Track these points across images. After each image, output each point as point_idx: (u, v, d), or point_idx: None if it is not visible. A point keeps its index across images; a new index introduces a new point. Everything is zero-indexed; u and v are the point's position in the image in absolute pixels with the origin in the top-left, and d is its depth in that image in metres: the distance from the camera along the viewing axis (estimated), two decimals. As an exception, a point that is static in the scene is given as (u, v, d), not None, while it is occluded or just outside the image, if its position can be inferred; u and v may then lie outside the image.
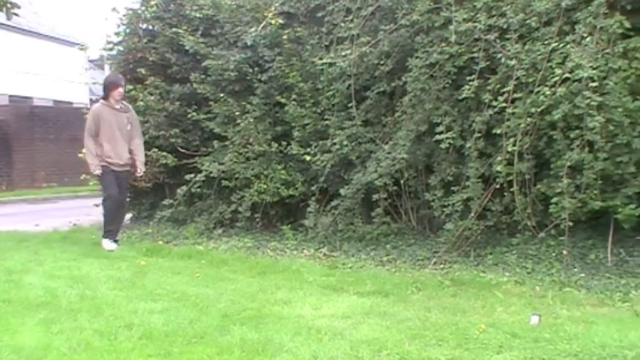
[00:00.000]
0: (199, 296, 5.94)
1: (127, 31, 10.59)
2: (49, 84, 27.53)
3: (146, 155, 8.91)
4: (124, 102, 8.61)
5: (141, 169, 8.72)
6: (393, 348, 4.49)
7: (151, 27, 10.58)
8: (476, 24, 7.03)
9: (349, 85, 8.00)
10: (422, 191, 8.19)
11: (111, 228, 8.50)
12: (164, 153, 9.75)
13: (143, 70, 10.12)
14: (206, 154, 9.52)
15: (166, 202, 9.48)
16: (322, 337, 4.73)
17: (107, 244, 8.39)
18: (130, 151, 8.60)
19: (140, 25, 10.54)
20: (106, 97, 8.42)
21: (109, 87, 8.39)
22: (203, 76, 9.47)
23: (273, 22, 8.68)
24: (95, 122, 8.32)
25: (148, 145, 9.90)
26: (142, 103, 9.79)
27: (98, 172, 8.32)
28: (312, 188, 8.38)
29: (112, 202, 8.44)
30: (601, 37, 6.40)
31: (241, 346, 4.56)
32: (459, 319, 5.17)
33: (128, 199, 10.91)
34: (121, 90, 8.41)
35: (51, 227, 10.82)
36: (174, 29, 9.77)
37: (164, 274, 6.91)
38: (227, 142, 9.13)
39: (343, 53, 7.79)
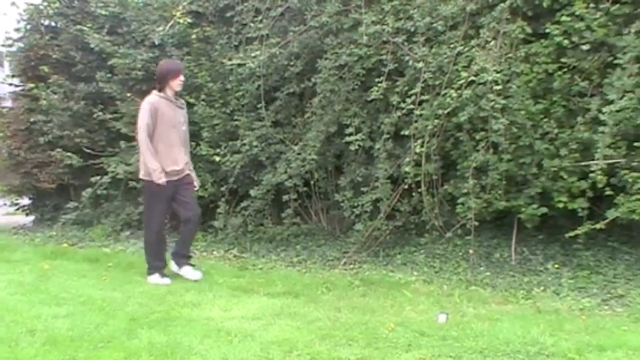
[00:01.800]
0: (106, 300, 5.80)
1: (28, 27, 10.24)
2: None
3: (49, 156, 8.60)
4: (180, 96, 7.03)
5: (197, 182, 7.09)
6: (303, 348, 4.49)
7: (53, 23, 10.26)
8: (384, 27, 7.11)
9: (259, 85, 7.96)
10: (332, 192, 8.23)
11: (158, 263, 6.74)
12: (69, 153, 9.48)
13: (46, 68, 9.82)
14: (113, 155, 9.30)
15: (71, 204, 9.21)
16: (232, 339, 4.69)
17: (157, 279, 6.65)
18: None
19: (42, 21, 10.20)
20: (161, 89, 6.66)
21: (167, 76, 6.65)
22: (109, 75, 9.25)
23: (181, 21, 8.55)
24: (153, 117, 6.50)
25: (51, 146, 9.64)
26: (44, 102, 9.49)
27: (163, 180, 6.44)
28: (222, 189, 8.30)
29: (157, 232, 6.78)
30: (504, 41, 6.57)
31: (149, 349, 4.47)
32: (369, 319, 5.21)
33: (30, 200, 10.61)
34: (182, 78, 6.78)
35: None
36: (78, 26, 9.51)
37: (69, 278, 6.71)
38: (134, 143, 8.93)
39: (253, 54, 7.74)
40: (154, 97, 6.63)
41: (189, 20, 8.58)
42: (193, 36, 8.62)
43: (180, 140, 6.73)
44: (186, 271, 6.72)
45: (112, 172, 8.79)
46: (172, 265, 6.82)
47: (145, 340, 4.65)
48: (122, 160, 8.93)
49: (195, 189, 6.97)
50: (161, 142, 6.53)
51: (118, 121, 9.17)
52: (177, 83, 6.68)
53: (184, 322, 5.12)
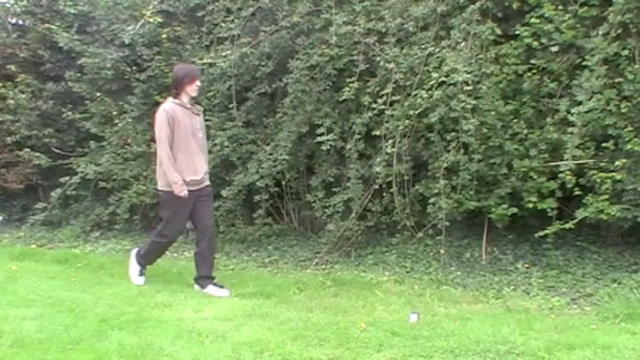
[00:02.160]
0: (75, 301, 5.74)
1: (-5, 25, 10.12)
2: None
3: (17, 156, 8.48)
4: (195, 101, 6.67)
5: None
6: (275, 349, 4.48)
7: (21, 22, 10.14)
8: (355, 27, 7.12)
9: (230, 85, 7.93)
10: (303, 192, 8.23)
11: (149, 262, 6.71)
12: (37, 153, 9.37)
13: (13, 67, 9.68)
14: (82, 155, 9.22)
15: (40, 205, 9.12)
16: (204, 340, 4.67)
17: (135, 277, 6.62)
18: None
19: (9, 19, 10.07)
20: (177, 95, 6.33)
21: (183, 80, 6.30)
22: (79, 75, 9.16)
23: (151, 20, 8.49)
24: (170, 125, 6.19)
25: (19, 146, 9.52)
26: (12, 101, 9.37)
27: (185, 192, 6.17)
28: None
29: (168, 242, 6.68)
30: (474, 42, 6.62)
31: (120, 351, 4.44)
32: (341, 319, 5.22)
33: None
34: (199, 83, 6.46)
35: None
36: (46, 25, 9.40)
37: (37, 279, 6.63)
38: (104, 143, 8.88)
39: (224, 54, 7.70)
40: (169, 104, 6.31)
41: (159, 20, 8.51)
42: (164, 35, 8.56)
43: (199, 148, 6.42)
44: (212, 290, 6.31)
45: (82, 172, 8.71)
46: (195, 286, 6.44)
47: (115, 342, 4.61)
48: (92, 161, 8.86)
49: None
50: (180, 152, 6.23)
51: (87, 120, 9.09)
52: (193, 88, 6.35)
53: (155, 324, 5.09)
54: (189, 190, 6.22)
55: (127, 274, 6.70)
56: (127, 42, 8.54)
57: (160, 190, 6.42)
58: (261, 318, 5.27)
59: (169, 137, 6.18)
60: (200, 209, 6.41)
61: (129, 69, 8.77)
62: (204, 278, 6.38)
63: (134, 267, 6.63)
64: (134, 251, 6.77)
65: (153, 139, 8.54)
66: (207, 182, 6.55)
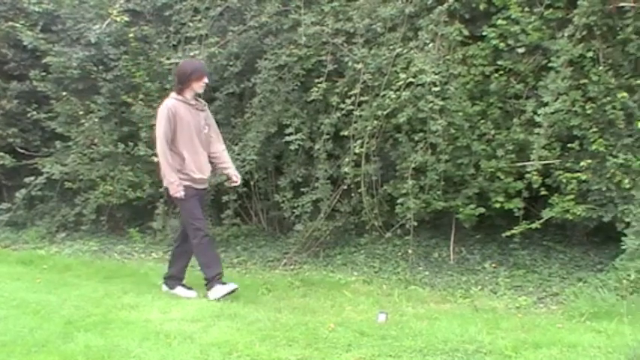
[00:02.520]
0: (41, 303, 5.65)
1: (-43, 23, 9.94)
2: None
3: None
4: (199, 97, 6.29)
5: (237, 176, 6.41)
6: (243, 350, 4.46)
7: (-17, 20, 9.99)
8: (324, 27, 7.12)
9: (198, 85, 7.89)
10: (272, 192, 8.20)
11: (219, 270, 6.03)
12: (1, 153, 9.22)
13: (-24, 66, 9.55)
14: (47, 155, 9.10)
15: (4, 205, 8.99)
16: (171, 342, 4.63)
17: (219, 290, 5.91)
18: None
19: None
20: (181, 91, 6.03)
21: (189, 77, 6.01)
22: (44, 74, 9.03)
23: (118, 19, 8.40)
24: (171, 123, 5.93)
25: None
26: (-26, 101, 9.24)
27: (181, 193, 5.91)
28: (161, 190, 8.16)
29: (208, 237, 6.11)
30: (442, 43, 6.65)
31: (86, 353, 4.39)
32: (309, 319, 5.21)
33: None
34: (206, 80, 6.14)
35: None
36: (10, 23, 9.26)
37: (2, 281, 6.52)
38: (70, 143, 8.77)
39: (191, 53, 7.65)
40: (172, 101, 6.01)
41: (126, 19, 8.43)
42: (131, 35, 8.48)
43: (203, 146, 6.13)
44: (180, 291, 6.13)
45: (47, 172, 8.60)
46: (163, 287, 6.25)
47: (82, 344, 4.55)
48: (57, 161, 8.74)
49: (237, 183, 6.46)
50: (185, 150, 5.96)
51: (53, 120, 8.97)
52: (200, 85, 6.05)
53: (122, 325, 5.03)
54: (197, 189, 6.02)
55: (91, 274, 6.63)
56: (93, 41, 8.46)
57: (167, 188, 6.10)
58: (230, 319, 5.23)
59: (168, 135, 5.91)
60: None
61: (95, 68, 8.67)
62: (174, 279, 6.21)
63: (214, 291, 5.91)
64: (207, 293, 5.99)
65: (120, 139, 8.51)
66: (207, 184, 6.38)
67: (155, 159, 8.09)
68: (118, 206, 8.68)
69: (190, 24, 7.84)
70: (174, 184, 5.90)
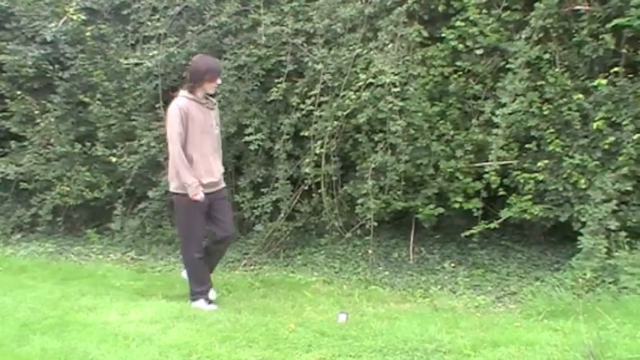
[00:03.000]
0: (-5, 305, 5.58)
1: None
2: None
3: None
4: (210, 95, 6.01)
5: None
6: (203, 351, 4.44)
7: None
8: (283, 28, 7.11)
9: (157, 85, 7.82)
10: (231, 193, 8.14)
11: (203, 288, 5.90)
12: (-48, 154, 9.07)
13: None
14: (2, 155, 8.93)
15: (-44, 206, 8.84)
16: (130, 344, 4.60)
17: (202, 304, 5.81)
18: None
19: None
20: (192, 89, 5.75)
21: (203, 76, 5.73)
22: (-2, 72, 8.91)
23: (74, 17, 8.28)
24: (184, 123, 5.64)
25: None
26: None
27: (201, 195, 5.61)
28: (119, 190, 8.12)
29: (199, 252, 5.86)
30: (402, 44, 6.68)
31: (42, 356, 4.34)
32: (269, 320, 5.20)
33: None
34: (219, 81, 5.95)
35: None
36: (-38, 21, 9.11)
37: (-45, 284, 6.42)
38: (26, 143, 8.63)
39: (150, 53, 7.60)
40: (183, 100, 5.72)
41: (83, 17, 8.32)
42: (88, 33, 8.37)
43: (214, 147, 5.92)
44: (201, 304, 5.82)
45: (2, 172, 8.46)
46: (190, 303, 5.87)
47: (38, 347, 4.50)
48: (12, 161, 8.60)
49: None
50: (195, 152, 5.68)
51: (7, 120, 8.82)
52: (212, 86, 5.81)
53: (79, 327, 4.97)
54: (205, 193, 5.69)
55: (47, 276, 6.53)
56: (48, 39, 8.34)
57: (173, 193, 5.85)
58: (189, 320, 5.20)
59: (182, 136, 5.63)
60: (219, 213, 5.91)
61: (51, 67, 8.55)
62: (198, 293, 5.88)
63: (198, 305, 5.79)
64: (190, 303, 5.87)
65: (77, 139, 8.40)
66: (223, 184, 6.07)
67: (113, 159, 8.07)
68: (75, 207, 8.57)
69: (149, 23, 7.78)
70: (193, 186, 5.58)
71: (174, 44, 7.57)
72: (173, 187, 5.82)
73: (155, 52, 7.56)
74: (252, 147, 7.15)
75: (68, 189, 8.32)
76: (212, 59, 6.16)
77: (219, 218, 5.89)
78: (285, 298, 6.02)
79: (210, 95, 5.94)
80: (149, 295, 6.07)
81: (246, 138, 7.19)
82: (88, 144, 8.35)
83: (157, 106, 7.90)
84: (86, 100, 8.32)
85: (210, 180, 5.76)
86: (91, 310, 5.49)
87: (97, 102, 8.25)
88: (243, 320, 5.19)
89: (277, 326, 5.01)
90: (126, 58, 7.92)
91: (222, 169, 6.02)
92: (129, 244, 8.08)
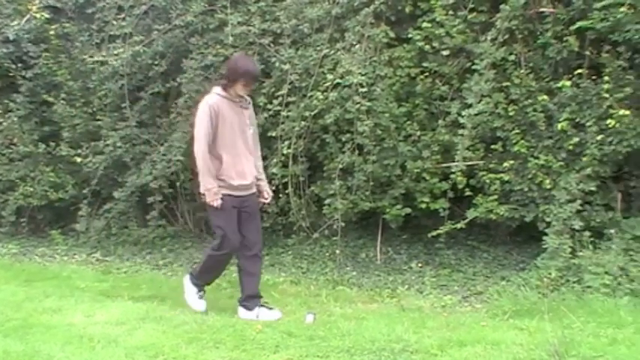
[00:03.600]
0: (-45, 308, 5.48)
1: None
2: None
3: None
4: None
5: (268, 193, 5.82)
6: (169, 353, 4.41)
7: None
8: (250, 28, 7.09)
9: (122, 84, 7.76)
10: (198, 194, 8.11)
11: (207, 281, 5.70)
12: None
13: None
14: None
15: None
16: (95, 345, 4.54)
17: (193, 299, 5.61)
18: None
19: None
20: (226, 87, 5.40)
21: (239, 77, 5.34)
22: (-41, 71, 8.77)
23: (38, 15, 8.20)
24: (213, 122, 5.28)
25: None
26: None
27: (218, 202, 5.31)
28: (84, 191, 8.04)
29: (228, 255, 5.55)
30: (369, 45, 6.70)
31: (4, 359, 4.27)
32: (236, 321, 5.19)
33: None
34: (253, 87, 5.75)
35: None
36: None
37: None
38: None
39: (115, 52, 7.54)
40: (214, 97, 5.38)
41: (46, 15, 8.24)
42: (51, 32, 8.29)
43: (247, 148, 5.51)
44: (263, 314, 5.46)
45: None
46: (241, 313, 5.51)
47: (0, 350, 4.42)
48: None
49: (267, 201, 5.84)
50: (225, 152, 5.34)
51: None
52: (246, 90, 5.46)
53: (44, 329, 4.91)
54: (235, 196, 5.40)
55: (10, 278, 6.44)
56: (11, 38, 8.24)
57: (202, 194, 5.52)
58: (156, 321, 5.16)
59: (210, 135, 5.28)
60: (244, 227, 5.52)
61: (14, 66, 8.44)
62: (253, 297, 5.55)
63: (190, 289, 5.60)
64: (187, 276, 5.73)
65: (41, 139, 8.30)
66: (255, 190, 5.63)
67: (78, 159, 7.99)
68: (39, 208, 8.48)
69: (114, 22, 7.72)
70: (212, 191, 5.29)
71: (140, 43, 7.52)
72: (202, 189, 5.44)
73: (121, 50, 7.50)
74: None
75: (32, 189, 8.23)
76: (252, 62, 5.80)
77: (243, 234, 5.52)
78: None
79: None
80: (115, 297, 6.01)
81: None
82: (53, 144, 8.27)
83: (122, 105, 7.85)
84: (50, 99, 8.24)
85: (240, 182, 5.42)
86: (56, 312, 5.42)
87: (62, 101, 8.17)
88: (210, 321, 5.16)
89: (244, 327, 4.98)
90: (91, 57, 7.85)
91: (255, 172, 5.60)
92: (94, 245, 8.01)
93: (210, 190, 5.30)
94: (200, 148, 5.29)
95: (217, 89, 5.45)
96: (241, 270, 5.62)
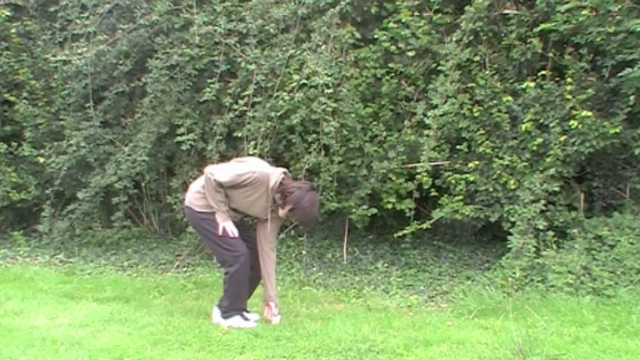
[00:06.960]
0: None
1: None
2: None
3: None
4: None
5: (274, 305, 5.33)
6: (134, 355, 4.36)
7: None
8: (216, 27, 7.06)
9: (86, 84, 7.68)
10: (163, 194, 8.08)
11: (239, 305, 5.22)
12: None
13: None
14: None
15: None
16: (58, 348, 4.48)
17: (238, 321, 5.13)
18: None
19: None
20: (275, 200, 5.11)
21: (294, 214, 5.11)
22: None
23: (-2, 13, 8.10)
24: (245, 184, 5.00)
25: None
26: None
27: (229, 224, 5.05)
28: (47, 192, 7.93)
29: (244, 265, 5.08)
30: (335, 46, 6.72)
31: (-35, 364, 4.20)
32: (202, 322, 5.15)
33: None
34: (295, 222, 5.74)
35: None
36: None
37: None
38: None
39: (79, 51, 7.45)
40: (266, 182, 5.05)
41: (7, 13, 8.12)
42: (13, 30, 8.16)
43: (251, 235, 5.28)
44: (238, 322, 5.14)
45: None
46: (215, 313, 5.26)
47: (-39, 354, 4.35)
48: None
49: (275, 320, 5.25)
50: (233, 203, 5.09)
51: None
52: (283, 218, 5.28)
53: (5, 332, 4.82)
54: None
55: None
56: (-30, 36, 8.11)
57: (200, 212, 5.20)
58: (120, 323, 5.11)
59: (232, 185, 4.96)
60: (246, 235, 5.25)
61: (-26, 65, 8.31)
62: (234, 309, 5.20)
63: (233, 321, 5.14)
64: (217, 313, 5.24)
65: (3, 139, 8.17)
66: None
67: (41, 160, 7.88)
68: (1, 209, 8.34)
69: (78, 21, 7.63)
70: (222, 209, 5.02)
71: (104, 42, 7.45)
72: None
73: (84, 49, 7.42)
74: (184, 147, 7.08)
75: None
76: (315, 214, 5.31)
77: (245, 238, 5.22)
78: (217, 300, 5.96)
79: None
80: (79, 298, 5.93)
81: (178, 138, 7.13)
82: (15, 144, 8.14)
83: (86, 105, 7.76)
84: (12, 98, 8.11)
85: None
86: (18, 315, 5.34)
87: (24, 101, 8.05)
88: (176, 323, 5.13)
89: (210, 328, 4.96)
90: (54, 56, 7.74)
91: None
92: (57, 247, 7.90)
93: (219, 203, 5.00)
94: (220, 180, 4.93)
95: (273, 185, 5.03)
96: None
